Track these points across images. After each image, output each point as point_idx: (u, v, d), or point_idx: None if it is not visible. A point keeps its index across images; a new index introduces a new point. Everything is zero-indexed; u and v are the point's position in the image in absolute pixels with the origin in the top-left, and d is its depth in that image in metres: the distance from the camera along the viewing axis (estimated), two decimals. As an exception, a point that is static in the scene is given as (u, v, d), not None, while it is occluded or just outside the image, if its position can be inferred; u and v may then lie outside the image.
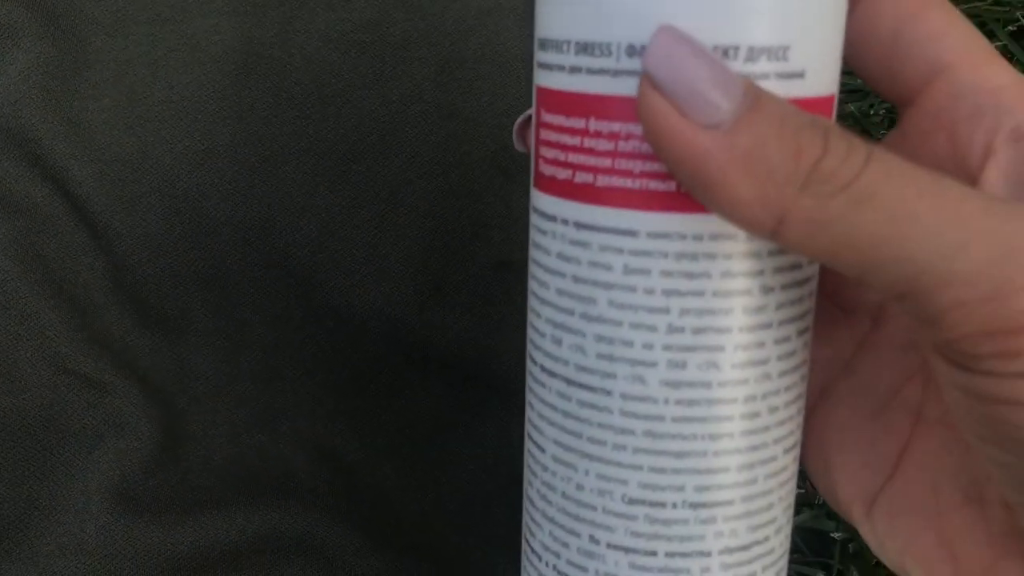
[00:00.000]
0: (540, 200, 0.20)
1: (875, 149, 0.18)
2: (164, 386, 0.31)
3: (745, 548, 0.21)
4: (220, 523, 0.31)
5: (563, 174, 0.19)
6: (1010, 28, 0.33)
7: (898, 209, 0.16)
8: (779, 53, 0.18)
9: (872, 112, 0.37)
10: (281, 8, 0.30)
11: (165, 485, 0.31)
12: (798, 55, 0.18)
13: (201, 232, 0.31)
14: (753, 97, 0.17)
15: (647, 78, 0.17)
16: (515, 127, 0.25)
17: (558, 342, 0.20)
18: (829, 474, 0.24)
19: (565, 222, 0.19)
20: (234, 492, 0.31)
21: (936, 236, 0.16)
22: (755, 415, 0.20)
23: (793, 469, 0.21)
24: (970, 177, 0.21)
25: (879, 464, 0.23)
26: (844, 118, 0.36)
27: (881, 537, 0.23)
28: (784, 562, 0.22)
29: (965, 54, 0.21)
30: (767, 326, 0.19)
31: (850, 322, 0.24)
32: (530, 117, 0.25)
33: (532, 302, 0.21)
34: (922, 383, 0.23)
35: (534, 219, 0.21)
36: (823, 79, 0.19)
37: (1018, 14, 0.32)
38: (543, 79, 0.20)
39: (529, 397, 0.22)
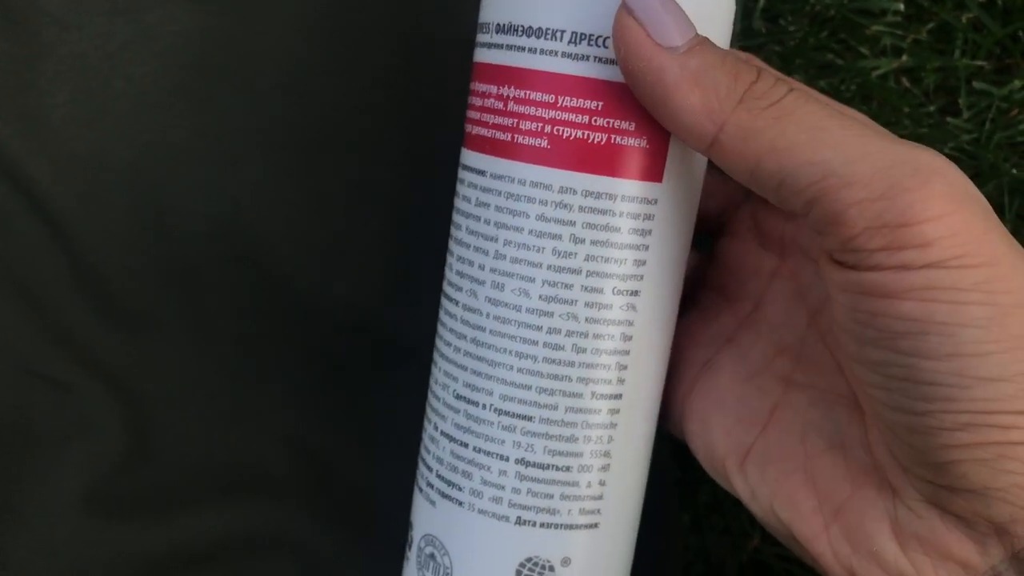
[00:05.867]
0: (467, 156, 0.25)
1: (797, 84, 0.22)
2: (131, 385, 0.30)
3: (541, 467, 0.24)
4: (194, 522, 0.30)
5: (486, 133, 0.24)
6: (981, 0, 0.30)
7: (813, 123, 0.20)
8: None
9: (843, 87, 0.36)
10: None
11: (136, 486, 0.30)
12: None
13: (165, 227, 0.30)
14: (702, 38, 0.21)
15: (624, 7, 0.21)
16: None
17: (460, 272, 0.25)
18: (708, 433, 0.26)
19: (482, 173, 0.24)
20: (207, 490, 0.30)
21: (841, 146, 0.20)
22: (558, 347, 0.23)
23: (610, 420, 0.24)
24: None
25: (752, 419, 0.26)
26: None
27: (753, 486, 0.25)
28: (603, 508, 0.24)
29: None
30: (575, 272, 0.23)
31: (734, 307, 0.27)
32: None
33: (450, 244, 0.26)
34: (793, 357, 0.26)
35: (460, 173, 0.26)
36: None
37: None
38: (478, 56, 0.25)
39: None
